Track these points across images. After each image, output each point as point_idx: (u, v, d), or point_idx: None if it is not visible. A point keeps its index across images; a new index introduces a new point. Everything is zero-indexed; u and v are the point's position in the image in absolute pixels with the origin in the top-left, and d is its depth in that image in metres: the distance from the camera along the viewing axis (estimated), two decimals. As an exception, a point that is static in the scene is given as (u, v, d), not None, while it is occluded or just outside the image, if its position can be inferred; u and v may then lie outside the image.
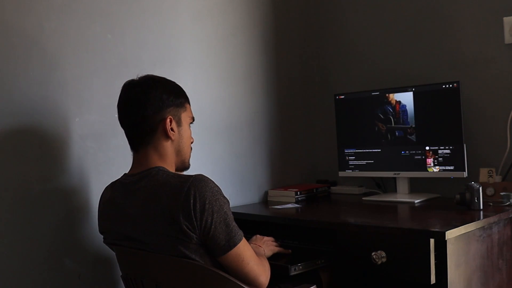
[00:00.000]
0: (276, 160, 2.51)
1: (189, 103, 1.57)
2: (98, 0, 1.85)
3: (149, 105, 1.45)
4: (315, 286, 1.60)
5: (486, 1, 2.12)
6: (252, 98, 2.41)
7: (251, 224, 2.13)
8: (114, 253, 1.54)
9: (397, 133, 2.20)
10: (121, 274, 1.51)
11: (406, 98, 2.17)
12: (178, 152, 1.52)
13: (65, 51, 1.75)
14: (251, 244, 1.64)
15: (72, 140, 1.77)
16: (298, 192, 2.31)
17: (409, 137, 2.16)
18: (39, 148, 1.69)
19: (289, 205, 2.21)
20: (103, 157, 1.84)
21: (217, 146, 2.25)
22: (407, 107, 2.17)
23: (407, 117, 2.17)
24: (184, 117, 1.53)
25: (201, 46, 2.20)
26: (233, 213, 2.14)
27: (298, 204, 2.25)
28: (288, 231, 2.04)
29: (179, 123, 1.51)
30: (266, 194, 2.45)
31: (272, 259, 1.70)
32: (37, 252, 1.66)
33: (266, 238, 1.80)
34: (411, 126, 2.16)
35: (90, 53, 1.82)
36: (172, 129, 1.48)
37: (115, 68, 1.88)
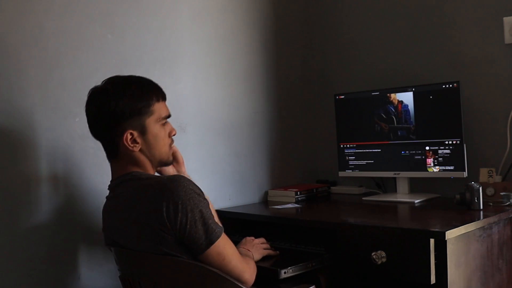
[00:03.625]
0: (276, 160, 2.51)
1: (158, 101, 1.46)
2: (98, 0, 1.85)
3: (104, 122, 1.41)
4: (314, 286, 1.60)
5: (486, 1, 2.12)
6: (252, 98, 2.41)
7: (251, 224, 2.13)
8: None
9: (399, 133, 2.20)
10: (119, 274, 1.51)
11: (407, 98, 2.17)
12: (151, 156, 1.47)
13: (65, 51, 1.75)
14: (241, 248, 1.63)
15: (72, 140, 1.77)
16: (298, 192, 2.31)
17: (412, 136, 2.16)
18: (39, 148, 1.69)
19: (289, 205, 2.21)
20: (103, 157, 1.82)
21: (217, 146, 2.25)
22: (409, 107, 2.17)
23: (409, 116, 2.17)
24: (150, 122, 1.44)
25: (201, 46, 2.20)
26: (233, 213, 2.16)
27: (298, 204, 2.25)
28: (288, 231, 2.04)
29: (143, 132, 1.43)
30: (266, 194, 2.45)
31: (265, 262, 1.68)
32: (37, 252, 1.66)
33: (256, 241, 1.75)
34: (414, 126, 2.16)
35: (90, 53, 1.82)
36: (134, 141, 1.43)
37: (115, 68, 1.87)
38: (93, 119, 1.45)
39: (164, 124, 1.49)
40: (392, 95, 2.21)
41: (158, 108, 1.46)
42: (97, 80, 1.82)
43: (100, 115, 1.42)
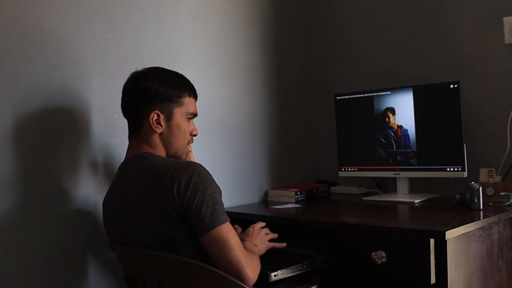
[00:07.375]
0: (276, 160, 2.51)
1: (190, 96, 1.57)
2: (98, 0, 1.85)
3: (136, 99, 1.51)
4: (315, 286, 1.60)
5: (486, 1, 2.12)
6: (252, 98, 2.41)
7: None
8: (114, 253, 1.55)
9: (398, 158, 2.19)
10: (122, 273, 1.51)
11: (408, 121, 2.15)
12: (168, 144, 1.55)
13: (65, 51, 1.75)
14: (247, 242, 1.58)
15: (72, 140, 1.77)
16: (298, 192, 2.31)
17: (411, 160, 2.15)
18: (39, 148, 1.69)
19: (289, 205, 2.21)
20: (104, 158, 1.84)
21: (217, 146, 2.25)
22: (409, 132, 2.15)
23: (409, 141, 2.16)
24: (177, 112, 1.54)
25: (201, 46, 2.20)
26: (233, 213, 2.16)
27: (298, 204, 2.25)
28: (287, 232, 2.03)
29: (169, 118, 1.52)
30: (266, 194, 2.45)
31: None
32: (37, 252, 1.66)
33: (261, 233, 1.68)
34: (413, 151, 2.14)
35: (90, 53, 1.82)
36: (159, 123, 1.51)
37: (115, 68, 1.87)
38: (127, 96, 1.54)
39: (189, 120, 1.58)
40: (391, 118, 2.19)
41: (188, 102, 1.56)
42: (97, 80, 1.83)
43: (134, 92, 1.52)
